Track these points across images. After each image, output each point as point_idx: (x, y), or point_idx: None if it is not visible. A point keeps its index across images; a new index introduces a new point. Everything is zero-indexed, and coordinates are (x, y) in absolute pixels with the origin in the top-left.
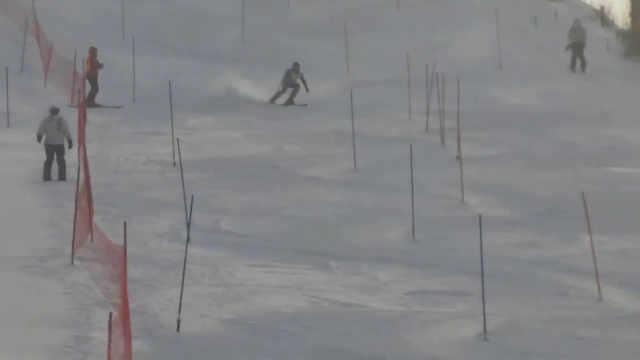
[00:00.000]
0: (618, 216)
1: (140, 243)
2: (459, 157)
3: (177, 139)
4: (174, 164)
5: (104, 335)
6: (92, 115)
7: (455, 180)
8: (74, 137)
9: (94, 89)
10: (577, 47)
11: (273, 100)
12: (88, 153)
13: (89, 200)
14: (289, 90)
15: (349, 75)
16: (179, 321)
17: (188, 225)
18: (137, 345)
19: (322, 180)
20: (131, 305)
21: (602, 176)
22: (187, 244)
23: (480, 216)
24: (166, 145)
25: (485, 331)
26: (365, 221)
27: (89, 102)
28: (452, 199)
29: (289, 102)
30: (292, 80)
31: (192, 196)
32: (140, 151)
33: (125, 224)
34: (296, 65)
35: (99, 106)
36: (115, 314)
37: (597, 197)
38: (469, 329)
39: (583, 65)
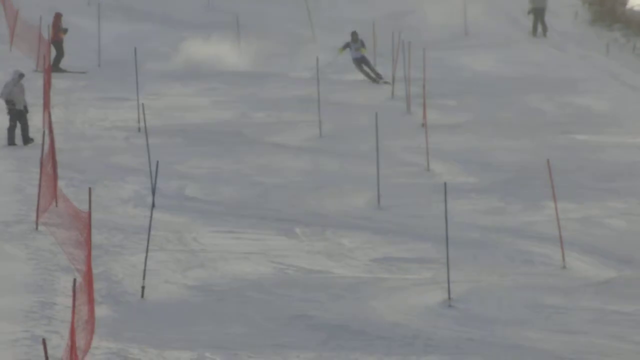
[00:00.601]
0: (583, 184)
1: (105, 209)
2: (424, 125)
3: (143, 105)
4: (139, 129)
5: (68, 301)
6: (57, 80)
7: (420, 148)
8: (39, 101)
9: (60, 53)
10: (538, 12)
11: (371, 79)
12: (53, 118)
13: (54, 166)
14: (364, 68)
15: (315, 42)
16: (143, 287)
17: (153, 191)
18: (101, 311)
19: (288, 146)
20: (95, 271)
21: (568, 144)
22: (152, 210)
23: (445, 183)
24: (131, 111)
25: (449, 298)
26: (330, 188)
27: (54, 67)
28: (418, 166)
29: (378, 78)
30: (358, 51)
31: (157, 162)
32: (105, 117)
33: (90, 189)
34: (354, 34)
35: (64, 71)
36: (79, 279)
37: (563, 165)
38: (434, 296)
39: (544, 29)
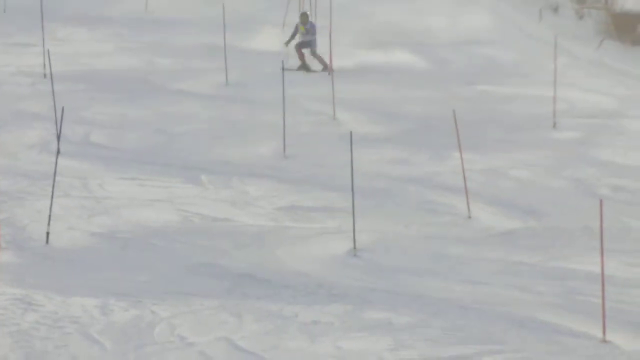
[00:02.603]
0: (488, 135)
1: (10, 154)
2: (330, 73)
3: (48, 51)
4: (45, 75)
5: None
6: None
7: (327, 96)
8: None
9: None
10: None
11: (305, 68)
12: None
13: None
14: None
15: None
16: (48, 233)
17: (58, 137)
18: (5, 256)
19: (194, 94)
20: (0, 216)
21: (474, 95)
22: (57, 156)
23: (351, 132)
24: (37, 57)
25: (354, 247)
26: (236, 136)
27: None
28: (324, 114)
29: (324, 69)
30: (305, 35)
31: (63, 108)
32: (10, 62)
33: None
34: (303, 16)
35: None
36: None
37: (468, 116)
38: (339, 245)
39: None
